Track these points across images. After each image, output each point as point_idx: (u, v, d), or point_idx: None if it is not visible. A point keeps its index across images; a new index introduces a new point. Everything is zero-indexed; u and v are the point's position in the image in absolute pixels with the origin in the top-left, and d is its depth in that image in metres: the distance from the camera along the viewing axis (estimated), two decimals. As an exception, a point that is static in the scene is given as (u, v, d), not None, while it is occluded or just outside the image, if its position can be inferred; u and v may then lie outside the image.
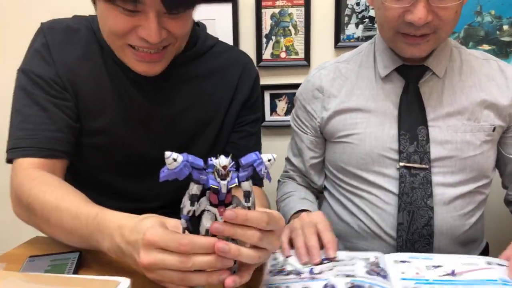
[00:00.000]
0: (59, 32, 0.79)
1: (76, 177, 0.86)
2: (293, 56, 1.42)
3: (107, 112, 0.80)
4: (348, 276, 0.59)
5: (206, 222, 0.49)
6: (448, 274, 0.61)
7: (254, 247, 0.52)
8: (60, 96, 0.77)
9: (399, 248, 0.83)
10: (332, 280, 0.58)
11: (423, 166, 0.83)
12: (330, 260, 0.67)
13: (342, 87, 0.93)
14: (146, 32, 0.67)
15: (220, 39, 0.92)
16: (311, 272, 0.63)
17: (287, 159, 1.08)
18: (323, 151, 0.99)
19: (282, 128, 1.46)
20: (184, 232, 0.50)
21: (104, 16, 0.70)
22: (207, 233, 0.49)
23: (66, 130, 0.77)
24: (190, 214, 0.49)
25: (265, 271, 0.64)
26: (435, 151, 0.84)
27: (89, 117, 0.80)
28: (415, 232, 0.82)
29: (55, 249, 0.68)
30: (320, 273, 0.62)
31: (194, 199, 0.48)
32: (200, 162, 0.47)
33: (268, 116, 1.46)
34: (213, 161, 0.47)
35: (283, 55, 1.42)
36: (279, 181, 1.09)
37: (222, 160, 0.47)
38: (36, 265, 0.62)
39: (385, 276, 0.60)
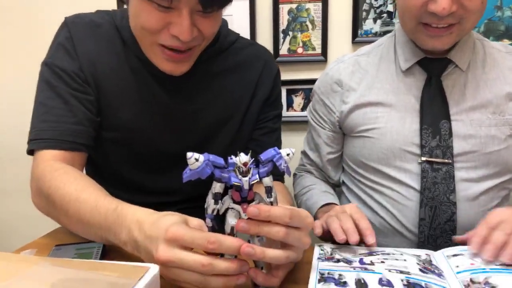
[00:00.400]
0: (83, 26, 0.80)
1: (96, 171, 0.87)
2: (310, 52, 1.41)
3: (128, 107, 0.81)
4: (401, 272, 0.57)
5: (231, 220, 0.49)
6: (504, 264, 0.59)
7: (282, 246, 0.52)
8: (81, 90, 0.78)
9: (421, 244, 0.82)
10: (387, 275, 0.56)
11: (446, 160, 0.82)
12: (379, 252, 0.65)
13: (362, 81, 0.92)
14: (178, 29, 0.67)
15: (237, 34, 0.92)
16: (361, 262, 0.61)
17: (304, 153, 1.07)
18: (340, 146, 0.98)
19: (298, 124, 1.45)
20: (209, 231, 0.50)
21: (137, 12, 0.70)
22: (232, 230, 0.49)
23: (87, 123, 0.78)
24: (215, 212, 0.49)
25: (313, 257, 0.63)
26: (458, 145, 0.82)
27: (110, 112, 0.81)
28: (437, 227, 0.81)
29: (79, 239, 0.69)
30: (371, 264, 0.60)
31: (218, 197, 0.49)
32: (221, 160, 0.48)
33: (284, 112, 1.44)
34: (234, 159, 0.48)
35: (300, 50, 1.41)
36: (295, 174, 1.08)
37: (243, 158, 0.48)
38: (62, 253, 0.63)
39: (440, 274, 0.59)
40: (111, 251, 0.66)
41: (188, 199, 0.88)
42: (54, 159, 0.72)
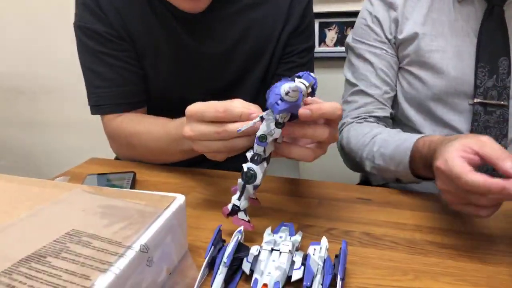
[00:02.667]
0: None
1: None
2: (346, -19, 1.31)
3: (159, 54, 0.79)
4: None
5: (270, 146, 0.48)
6: None
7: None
8: (120, 48, 0.77)
9: None
10: None
11: (501, 102, 0.74)
12: None
13: (414, 10, 0.82)
14: None
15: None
16: None
17: (355, 94, 0.87)
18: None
19: (331, 61, 1.39)
20: (258, 160, 0.48)
21: None
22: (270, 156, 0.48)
23: (135, 81, 0.80)
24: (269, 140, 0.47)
25: None
26: None
27: (144, 62, 0.80)
28: (485, 173, 0.76)
29: (111, 170, 0.71)
30: None
31: (282, 126, 0.46)
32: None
33: (316, 47, 1.39)
34: (300, 86, 0.44)
35: (335, -21, 1.32)
36: (341, 125, 0.87)
37: (306, 86, 0.46)
38: (95, 182, 0.65)
39: None
40: (140, 181, 0.69)
41: None
42: (117, 117, 0.79)
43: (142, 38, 0.78)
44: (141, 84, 0.82)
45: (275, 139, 0.48)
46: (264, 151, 0.47)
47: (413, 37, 0.81)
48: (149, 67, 0.81)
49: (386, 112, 0.85)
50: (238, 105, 0.50)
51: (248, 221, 0.49)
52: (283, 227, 0.49)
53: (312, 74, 0.49)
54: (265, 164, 0.48)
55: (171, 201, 0.43)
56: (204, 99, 0.53)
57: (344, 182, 0.70)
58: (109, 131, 0.81)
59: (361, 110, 0.85)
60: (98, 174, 0.68)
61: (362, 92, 0.86)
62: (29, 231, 0.35)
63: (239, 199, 0.49)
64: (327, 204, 0.61)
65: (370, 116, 0.84)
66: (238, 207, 0.49)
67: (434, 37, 0.80)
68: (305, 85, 0.46)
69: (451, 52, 0.78)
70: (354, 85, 0.87)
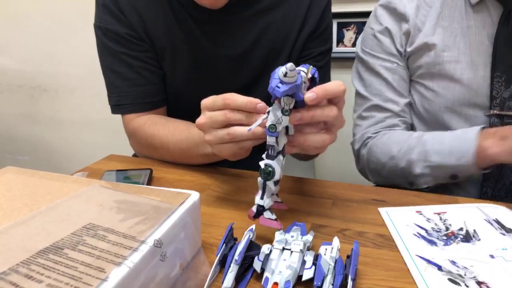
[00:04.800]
0: None
1: None
2: (366, -19, 1.30)
3: (177, 55, 0.80)
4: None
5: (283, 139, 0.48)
6: None
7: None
8: (140, 49, 0.78)
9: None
10: None
11: None
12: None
13: (426, 19, 0.79)
14: None
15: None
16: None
17: (375, 107, 0.84)
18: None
19: (349, 61, 1.38)
20: (273, 153, 0.48)
21: None
22: (287, 130, 0.49)
23: (156, 80, 0.81)
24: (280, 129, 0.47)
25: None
26: None
27: (163, 62, 0.81)
28: (502, 188, 0.74)
29: (128, 166, 0.73)
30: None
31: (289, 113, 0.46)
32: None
33: (334, 47, 1.38)
34: (301, 73, 0.45)
35: (354, -21, 1.31)
36: (364, 140, 0.85)
37: (305, 72, 0.46)
38: (112, 178, 0.66)
39: None
40: (157, 178, 0.70)
41: None
42: (138, 117, 0.81)
43: (161, 39, 0.79)
44: (161, 83, 0.83)
45: (287, 132, 0.49)
46: (277, 142, 0.47)
47: (423, 48, 0.79)
48: (167, 67, 0.81)
49: (408, 120, 0.85)
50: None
51: (276, 220, 0.48)
52: (295, 227, 0.50)
53: (308, 65, 0.50)
54: (281, 157, 0.48)
55: (186, 197, 0.44)
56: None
57: (359, 183, 0.70)
58: (129, 130, 0.82)
59: (382, 125, 0.84)
60: (116, 170, 0.70)
61: (379, 107, 0.84)
62: (48, 224, 0.36)
63: (262, 198, 0.48)
64: (341, 205, 0.61)
65: (394, 127, 0.83)
66: (263, 206, 0.48)
67: (445, 46, 0.77)
68: (304, 72, 0.46)
69: (465, 62, 0.76)
70: (368, 99, 0.86)
